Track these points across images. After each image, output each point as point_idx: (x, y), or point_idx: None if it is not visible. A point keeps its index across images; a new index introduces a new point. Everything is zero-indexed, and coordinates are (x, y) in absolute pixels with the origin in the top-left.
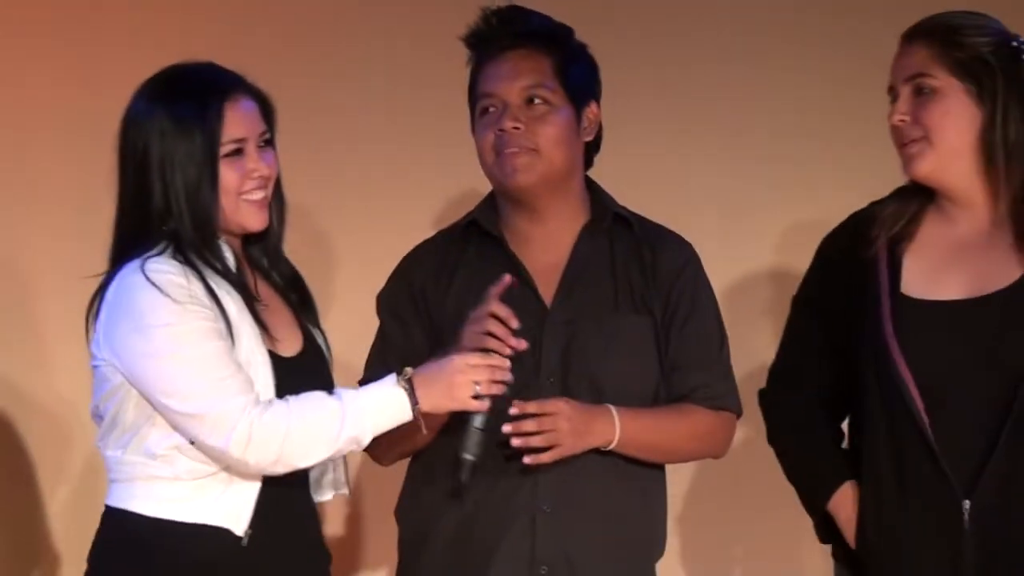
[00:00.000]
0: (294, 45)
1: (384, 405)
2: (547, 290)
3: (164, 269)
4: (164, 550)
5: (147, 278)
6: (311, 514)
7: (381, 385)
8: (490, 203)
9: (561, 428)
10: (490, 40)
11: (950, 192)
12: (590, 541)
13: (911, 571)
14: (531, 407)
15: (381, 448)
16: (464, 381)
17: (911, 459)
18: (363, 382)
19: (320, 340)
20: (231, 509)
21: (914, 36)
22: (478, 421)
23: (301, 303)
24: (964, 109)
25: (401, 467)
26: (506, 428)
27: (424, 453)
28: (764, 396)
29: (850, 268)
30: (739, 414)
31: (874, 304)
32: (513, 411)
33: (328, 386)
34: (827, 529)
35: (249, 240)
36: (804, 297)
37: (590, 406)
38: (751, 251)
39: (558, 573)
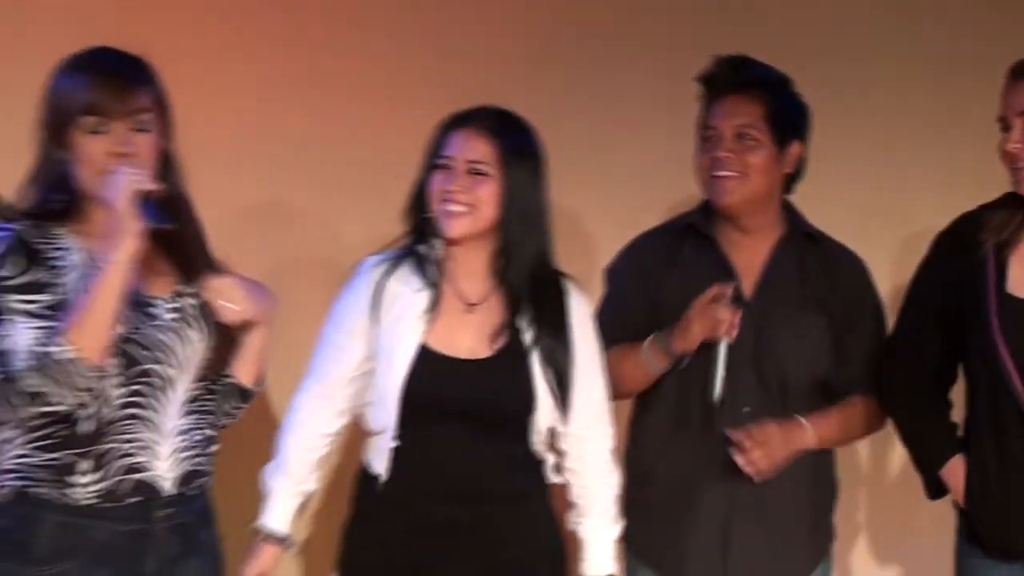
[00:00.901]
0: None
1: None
2: (747, 286)
3: (367, 261)
4: (360, 493)
5: (353, 275)
6: (467, 463)
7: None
8: (705, 210)
9: (774, 450)
10: (718, 83)
11: None
12: (778, 491)
13: (1012, 532)
14: (746, 438)
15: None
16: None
17: (1012, 438)
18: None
19: (535, 351)
20: (378, 460)
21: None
22: (720, 364)
23: (523, 310)
24: None
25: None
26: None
27: (648, 409)
28: (883, 372)
29: (959, 265)
30: None
31: (982, 301)
32: (736, 438)
33: (505, 397)
34: (937, 489)
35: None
36: (918, 287)
37: (790, 425)
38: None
39: (751, 514)
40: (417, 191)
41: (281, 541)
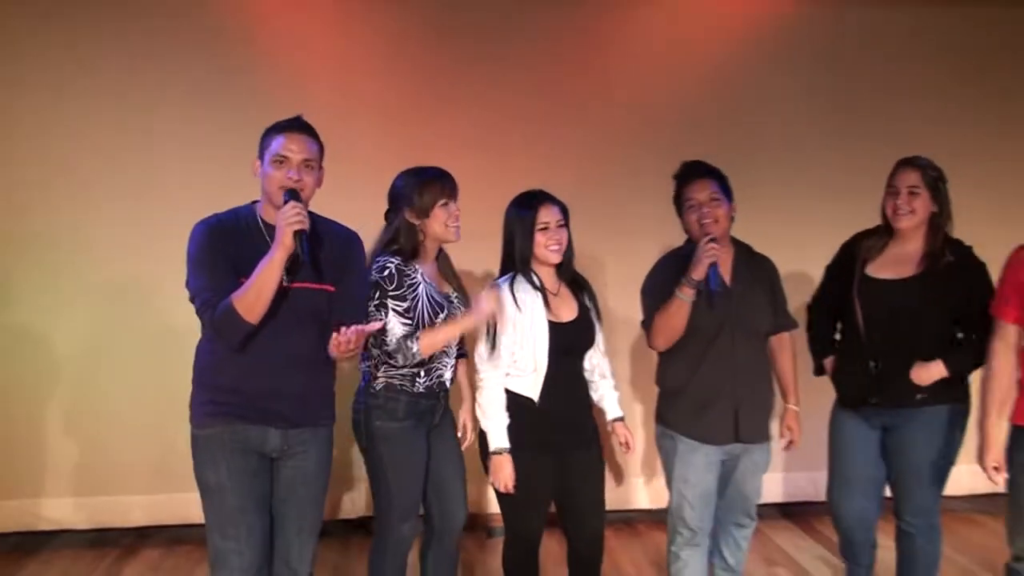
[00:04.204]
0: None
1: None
2: (726, 278)
3: (498, 282)
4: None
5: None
6: (583, 388)
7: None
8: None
9: (797, 430)
10: (690, 174)
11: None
12: (759, 393)
13: (848, 392)
14: (793, 438)
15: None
16: None
17: (854, 344)
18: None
19: (592, 314)
20: (530, 387)
21: None
22: (714, 275)
23: (583, 294)
24: None
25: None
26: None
27: (673, 355)
28: (809, 308)
29: (846, 263)
30: (796, 327)
31: (852, 280)
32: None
33: (588, 338)
34: (819, 370)
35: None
36: (828, 273)
37: (794, 415)
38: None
39: (745, 403)
40: (522, 244)
41: (508, 451)
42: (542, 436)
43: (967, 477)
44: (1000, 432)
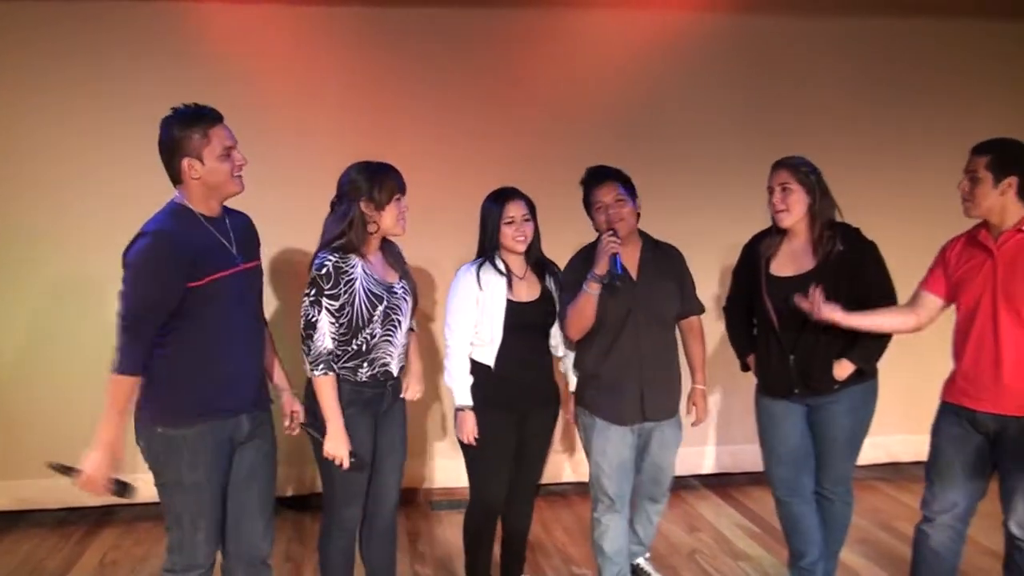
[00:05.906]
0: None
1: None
2: (633, 272)
3: (465, 270)
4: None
5: (459, 276)
6: (541, 358)
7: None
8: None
9: (704, 409)
10: (596, 178)
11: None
12: (663, 375)
13: (773, 384)
14: (700, 417)
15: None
16: None
17: (772, 340)
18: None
19: (554, 294)
20: (488, 356)
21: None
22: (618, 263)
23: (545, 277)
24: None
25: None
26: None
27: (587, 344)
28: (725, 309)
29: (751, 262)
30: (703, 311)
31: (759, 278)
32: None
33: (550, 316)
34: (745, 366)
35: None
36: (736, 271)
37: (701, 393)
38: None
39: (650, 386)
40: (491, 234)
41: (471, 408)
42: (503, 397)
43: (868, 449)
44: None
